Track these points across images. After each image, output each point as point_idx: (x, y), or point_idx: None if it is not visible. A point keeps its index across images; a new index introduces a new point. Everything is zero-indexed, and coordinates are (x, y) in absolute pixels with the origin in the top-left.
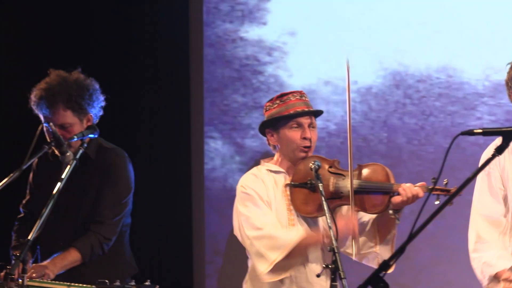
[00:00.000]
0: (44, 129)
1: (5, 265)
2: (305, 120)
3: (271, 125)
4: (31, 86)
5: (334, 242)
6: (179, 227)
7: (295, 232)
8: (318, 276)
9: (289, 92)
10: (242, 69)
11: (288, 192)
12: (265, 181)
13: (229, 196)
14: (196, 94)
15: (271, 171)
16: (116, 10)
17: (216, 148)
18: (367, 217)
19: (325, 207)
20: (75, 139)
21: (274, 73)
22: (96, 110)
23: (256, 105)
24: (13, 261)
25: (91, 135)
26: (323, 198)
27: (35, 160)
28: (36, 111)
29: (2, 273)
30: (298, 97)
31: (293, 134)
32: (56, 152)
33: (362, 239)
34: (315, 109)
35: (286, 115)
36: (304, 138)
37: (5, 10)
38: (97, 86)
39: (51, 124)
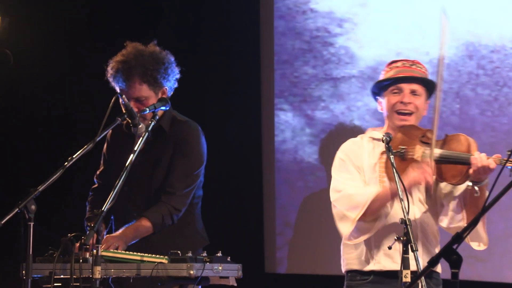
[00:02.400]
0: (119, 101)
1: (80, 236)
2: (406, 86)
3: (377, 91)
4: (107, 58)
5: (405, 215)
6: (249, 199)
7: (371, 188)
8: (389, 248)
9: (400, 60)
10: (313, 40)
11: (384, 160)
12: (362, 148)
13: (300, 168)
14: (266, 66)
15: (373, 138)
16: None
17: (286, 120)
18: (457, 191)
19: (396, 179)
20: (147, 112)
21: (344, 45)
22: (171, 83)
23: (326, 77)
24: (87, 232)
25: (163, 108)
26: (394, 170)
27: (109, 131)
28: (112, 83)
29: (77, 244)
30: (407, 65)
31: (392, 98)
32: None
33: (450, 213)
34: (422, 77)
35: (384, 80)
36: (402, 103)
37: None
38: (172, 59)
39: (124, 96)
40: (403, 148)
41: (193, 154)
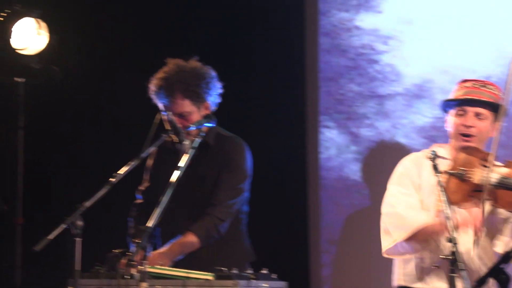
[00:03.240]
0: (163, 117)
1: (125, 252)
2: (471, 109)
3: (444, 109)
4: (149, 76)
5: (452, 233)
6: (295, 216)
7: (424, 216)
8: (436, 267)
9: (472, 80)
10: (358, 58)
11: (444, 179)
12: (422, 164)
13: (345, 185)
14: (311, 83)
15: (436, 156)
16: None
17: (331, 137)
18: None
19: (442, 196)
20: (192, 128)
21: (390, 62)
22: (213, 98)
23: (372, 94)
24: (133, 248)
25: (208, 124)
26: (441, 189)
27: (153, 148)
28: (155, 100)
29: (124, 260)
30: (477, 86)
31: (456, 119)
32: (174, 140)
33: (505, 238)
34: (488, 101)
35: (451, 99)
36: (464, 126)
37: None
38: (214, 74)
39: (169, 113)
40: (463, 170)
41: (238, 168)
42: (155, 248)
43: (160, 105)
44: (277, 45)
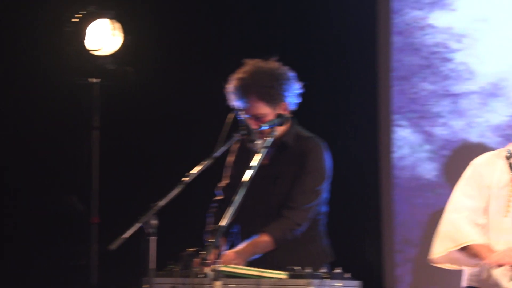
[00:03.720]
0: (236, 117)
1: (199, 251)
2: None
3: None
4: (223, 76)
5: None
6: (368, 215)
7: (478, 236)
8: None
9: None
10: (431, 56)
11: None
12: (494, 165)
13: (419, 184)
14: (384, 82)
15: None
16: None
17: (404, 136)
18: None
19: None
20: (265, 127)
21: (464, 61)
22: (291, 99)
23: (445, 93)
24: (207, 247)
25: (279, 124)
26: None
27: (236, 145)
28: (231, 100)
29: (197, 259)
30: None
31: None
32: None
33: None
34: None
35: None
36: None
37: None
38: (291, 75)
39: (240, 113)
40: None
41: (317, 169)
42: (233, 245)
43: (236, 105)
44: (350, 44)
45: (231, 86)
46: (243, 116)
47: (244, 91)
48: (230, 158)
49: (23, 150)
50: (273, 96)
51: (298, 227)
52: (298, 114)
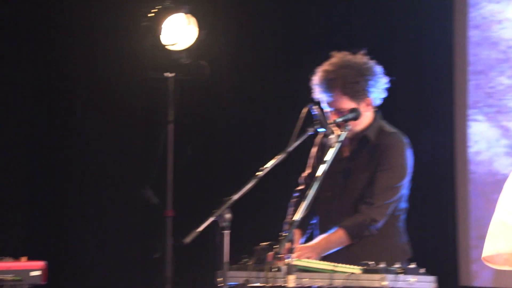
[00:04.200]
0: (317, 111)
1: (273, 245)
2: None
3: None
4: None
5: None
6: (443, 210)
7: None
8: None
9: None
10: (509, 50)
11: None
12: None
13: (495, 180)
14: (460, 76)
15: None
16: None
17: (480, 131)
18: None
19: None
20: (337, 121)
21: None
22: (375, 94)
23: None
24: (280, 241)
25: (353, 118)
26: None
27: (319, 136)
28: (315, 93)
29: (271, 253)
30: None
31: None
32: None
33: None
34: None
35: None
36: None
37: None
38: (377, 70)
39: (315, 107)
40: None
41: (397, 166)
42: (312, 236)
43: (320, 98)
44: (427, 39)
45: (316, 78)
46: (317, 110)
47: (329, 85)
48: (314, 149)
49: (99, 144)
50: (358, 91)
51: (375, 223)
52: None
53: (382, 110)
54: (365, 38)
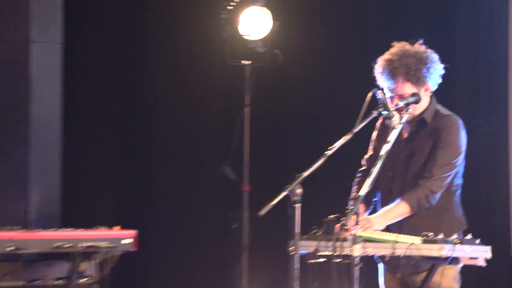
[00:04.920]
0: (380, 96)
1: (340, 217)
2: None
3: None
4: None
5: None
6: (497, 182)
7: None
8: None
9: None
10: None
11: None
12: None
13: None
14: None
15: None
16: None
17: None
18: None
19: None
20: (400, 105)
21: None
22: (433, 80)
23: None
24: (347, 214)
25: (414, 102)
26: None
27: (380, 120)
28: (379, 80)
29: (338, 225)
30: None
31: None
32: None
33: None
34: None
35: None
36: None
37: None
38: (435, 58)
39: (379, 91)
40: None
41: (452, 144)
42: (374, 211)
43: (383, 85)
44: (481, 27)
45: (379, 67)
46: (381, 95)
47: (391, 72)
48: (374, 133)
49: (184, 125)
50: (419, 77)
51: (433, 195)
52: (436, 94)
53: (442, 95)
54: (423, 28)
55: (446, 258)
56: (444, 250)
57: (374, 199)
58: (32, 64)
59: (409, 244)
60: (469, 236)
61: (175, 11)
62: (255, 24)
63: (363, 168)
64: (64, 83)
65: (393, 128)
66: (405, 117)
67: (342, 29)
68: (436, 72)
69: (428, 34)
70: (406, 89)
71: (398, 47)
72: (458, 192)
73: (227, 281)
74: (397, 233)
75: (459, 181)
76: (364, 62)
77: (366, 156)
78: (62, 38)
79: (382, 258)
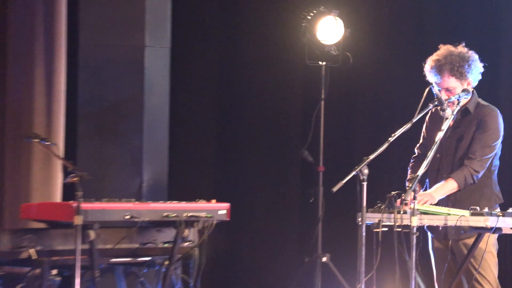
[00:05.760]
0: (436, 91)
1: (400, 193)
2: None
3: None
4: (419, 58)
5: None
6: None
7: None
8: None
9: None
10: None
11: None
12: None
13: None
14: None
15: None
16: None
17: None
18: None
19: None
20: (452, 99)
21: None
22: (474, 76)
23: None
24: (406, 191)
25: (465, 96)
26: None
27: (428, 114)
28: (428, 77)
29: (399, 200)
30: None
31: None
32: (438, 109)
33: None
34: None
35: None
36: None
37: None
38: (476, 57)
39: (435, 88)
40: None
41: (491, 130)
42: (426, 189)
43: (432, 81)
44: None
45: (428, 66)
46: (437, 89)
47: (438, 69)
48: (424, 126)
49: (269, 115)
50: (461, 73)
51: (476, 174)
52: (479, 88)
53: (485, 90)
54: (472, 31)
55: (491, 228)
56: (489, 221)
57: (427, 179)
58: (145, 65)
59: (460, 216)
60: (510, 210)
61: (265, 22)
62: (330, 31)
63: (415, 155)
64: (170, 81)
65: (446, 118)
66: (456, 109)
67: (401, 34)
68: (476, 69)
69: (475, 37)
70: (450, 83)
71: (444, 48)
72: (496, 171)
73: (306, 247)
74: (444, 206)
75: (497, 162)
76: (420, 62)
77: (418, 144)
78: (169, 43)
79: (430, 228)
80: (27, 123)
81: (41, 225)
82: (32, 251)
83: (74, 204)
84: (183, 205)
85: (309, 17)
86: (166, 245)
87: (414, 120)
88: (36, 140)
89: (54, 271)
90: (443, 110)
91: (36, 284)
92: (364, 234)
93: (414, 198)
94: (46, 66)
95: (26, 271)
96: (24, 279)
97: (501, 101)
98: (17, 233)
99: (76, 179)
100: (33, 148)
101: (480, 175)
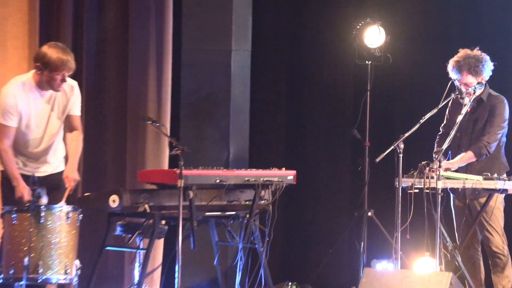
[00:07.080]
0: (455, 83)
1: (428, 163)
2: None
3: None
4: (448, 59)
5: None
6: None
7: None
8: None
9: None
10: None
11: None
12: None
13: None
14: None
15: None
16: None
17: None
18: None
19: None
20: (470, 90)
21: None
22: (486, 73)
23: None
24: (433, 160)
25: (480, 88)
26: None
27: (450, 101)
28: (450, 74)
29: (428, 168)
30: None
31: None
32: (458, 97)
33: None
34: None
35: None
36: None
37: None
38: (487, 58)
39: (457, 81)
40: None
41: (501, 114)
42: (449, 159)
43: (453, 77)
44: None
45: (450, 66)
46: (457, 83)
47: (459, 69)
48: (447, 110)
49: (326, 102)
50: (477, 71)
51: (489, 145)
52: (492, 82)
53: (495, 83)
54: (486, 35)
55: (499, 190)
56: (498, 184)
57: (449, 152)
58: (232, 64)
59: (475, 180)
60: None
61: (325, 30)
62: (374, 37)
63: (440, 132)
64: (251, 77)
65: (465, 105)
66: (473, 98)
67: (430, 40)
68: (488, 67)
69: (488, 40)
70: (468, 79)
71: (462, 51)
72: (503, 146)
73: (355, 205)
74: (463, 173)
75: (504, 139)
76: (445, 62)
77: (442, 124)
78: (250, 47)
79: (452, 189)
80: (143, 109)
81: (153, 187)
82: (146, 206)
83: (178, 171)
84: (260, 172)
85: (358, 27)
86: (247, 202)
87: (440, 106)
88: (149, 122)
89: (163, 222)
90: (462, 99)
91: (149, 231)
92: (400, 194)
93: (439, 166)
94: (157, 66)
95: (142, 221)
96: (141, 227)
97: (509, 92)
98: (135, 193)
99: (179, 152)
100: (147, 128)
101: (493, 147)
